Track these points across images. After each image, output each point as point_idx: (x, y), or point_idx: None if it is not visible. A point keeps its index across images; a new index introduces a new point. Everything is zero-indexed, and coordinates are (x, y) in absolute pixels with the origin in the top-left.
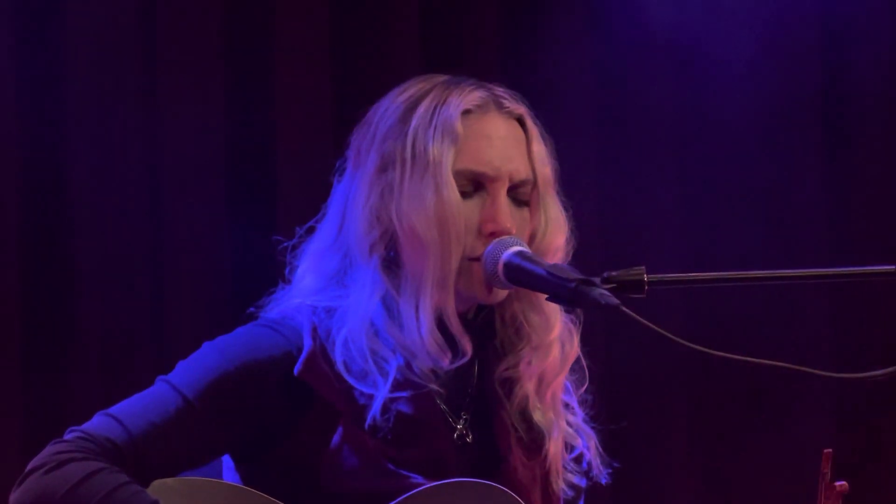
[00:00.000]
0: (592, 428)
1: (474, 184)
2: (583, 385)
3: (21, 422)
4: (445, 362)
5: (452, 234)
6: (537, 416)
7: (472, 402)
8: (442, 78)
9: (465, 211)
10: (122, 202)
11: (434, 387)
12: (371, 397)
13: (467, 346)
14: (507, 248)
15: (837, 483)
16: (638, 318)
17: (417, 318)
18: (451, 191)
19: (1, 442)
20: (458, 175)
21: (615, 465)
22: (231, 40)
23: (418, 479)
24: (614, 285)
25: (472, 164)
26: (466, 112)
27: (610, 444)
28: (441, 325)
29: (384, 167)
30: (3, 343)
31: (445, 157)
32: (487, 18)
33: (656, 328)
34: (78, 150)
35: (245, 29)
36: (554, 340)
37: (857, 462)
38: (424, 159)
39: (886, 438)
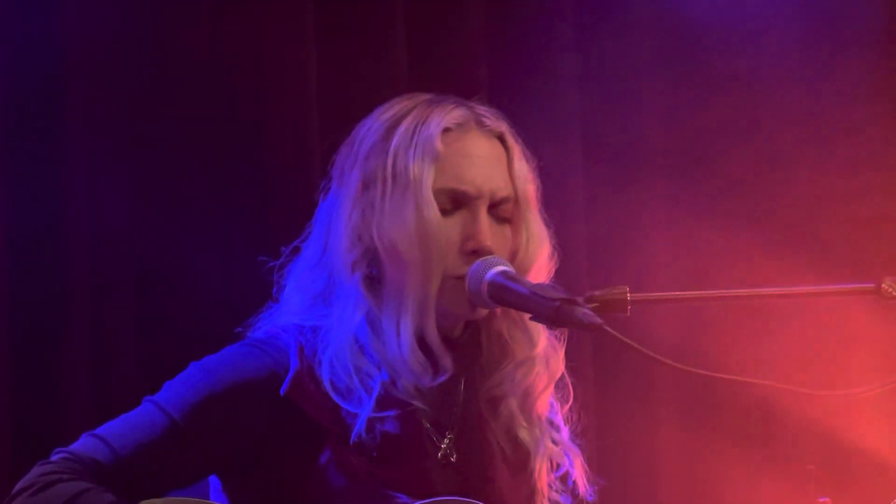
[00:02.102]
0: (578, 445)
1: (455, 202)
2: (567, 402)
3: (9, 442)
4: (427, 379)
5: (433, 253)
6: (522, 435)
7: (458, 421)
8: (425, 97)
9: (446, 229)
10: (111, 220)
11: (419, 405)
12: (357, 417)
13: (448, 363)
14: (490, 267)
15: (821, 499)
16: (621, 337)
17: (398, 336)
18: (432, 209)
19: None
20: (439, 193)
21: (601, 482)
22: (219, 60)
23: (403, 498)
24: (597, 304)
25: (452, 183)
26: (447, 130)
27: (596, 460)
28: (422, 342)
29: (366, 185)
30: None
31: (426, 176)
32: (474, 35)
33: (640, 347)
34: (72, 163)
35: (232, 51)
36: (538, 356)
37: (840, 479)
38: (405, 177)
39: (869, 455)
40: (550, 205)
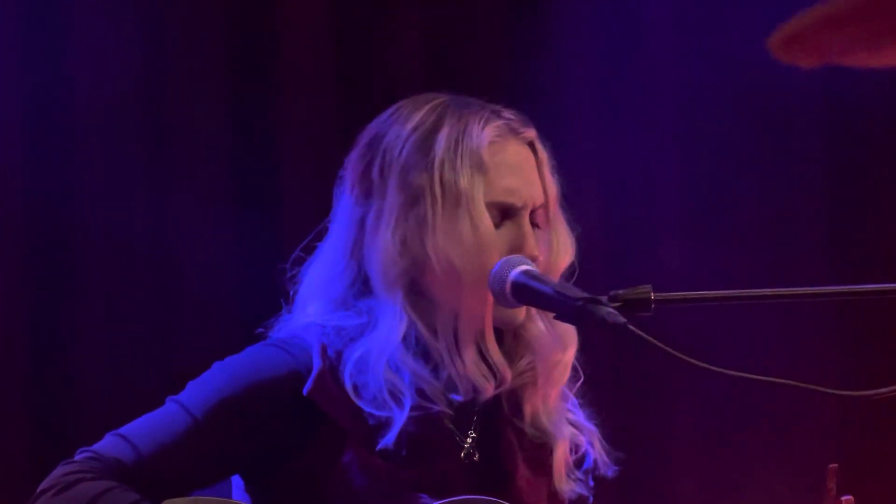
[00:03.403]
0: (595, 424)
1: (503, 214)
2: (577, 382)
3: (27, 443)
4: (490, 390)
5: (488, 266)
6: (544, 423)
7: (479, 420)
8: (444, 99)
9: (498, 241)
10: (126, 221)
11: (443, 407)
12: (381, 419)
13: (507, 373)
14: (513, 267)
15: (843, 497)
16: (645, 336)
17: (459, 350)
18: (486, 223)
19: (7, 464)
20: (488, 207)
21: (621, 457)
22: (234, 60)
23: (426, 498)
24: (620, 304)
25: (501, 196)
26: (490, 142)
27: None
28: (483, 352)
29: (411, 199)
30: (9, 365)
31: (476, 190)
32: (492, 32)
33: (663, 346)
34: (81, 170)
35: (248, 49)
36: (556, 348)
37: (862, 477)
38: (455, 192)
39: (891, 453)
40: (569, 204)
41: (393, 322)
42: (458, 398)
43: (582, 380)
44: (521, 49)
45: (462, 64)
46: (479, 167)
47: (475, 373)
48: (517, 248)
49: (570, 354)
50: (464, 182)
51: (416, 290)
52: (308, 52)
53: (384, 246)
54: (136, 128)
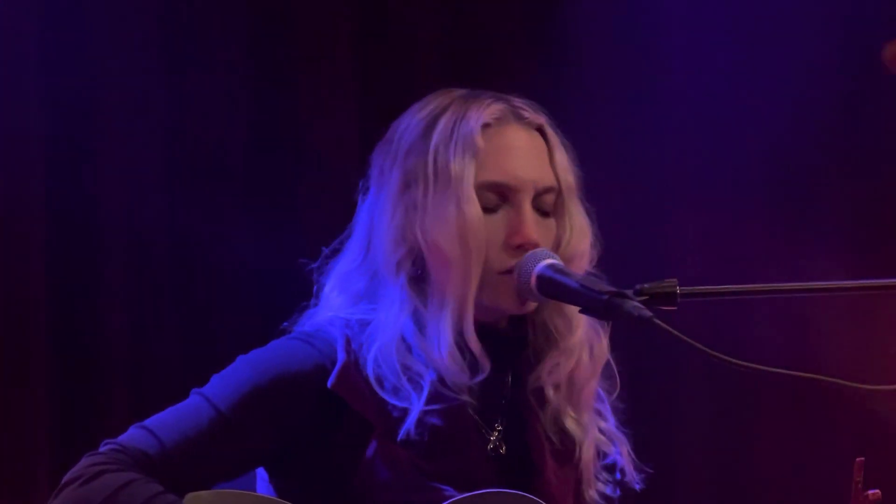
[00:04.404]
0: (625, 434)
1: (500, 196)
2: (614, 391)
3: (53, 435)
4: (465, 378)
5: (473, 250)
6: (570, 424)
7: (506, 413)
8: (460, 92)
9: (491, 225)
10: (148, 218)
11: (467, 398)
12: (404, 411)
13: (486, 363)
14: (539, 261)
15: (870, 491)
16: (671, 330)
17: (438, 336)
18: (473, 206)
19: (33, 456)
20: (482, 188)
21: (648, 470)
22: (255, 57)
23: (451, 491)
24: (647, 297)
25: (494, 176)
26: (486, 125)
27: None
28: (463, 340)
29: (407, 184)
30: (35, 360)
31: (467, 172)
32: (513, 28)
33: (690, 341)
34: (104, 166)
35: (269, 45)
36: (578, 343)
37: (890, 472)
38: (446, 175)
39: None
40: (590, 197)
41: (393, 309)
42: (465, 382)
43: (619, 388)
44: (542, 40)
45: (485, 62)
46: (471, 149)
47: (450, 359)
48: (514, 231)
49: (578, 337)
50: (454, 165)
51: (420, 278)
52: (329, 50)
53: (385, 232)
54: (158, 125)
